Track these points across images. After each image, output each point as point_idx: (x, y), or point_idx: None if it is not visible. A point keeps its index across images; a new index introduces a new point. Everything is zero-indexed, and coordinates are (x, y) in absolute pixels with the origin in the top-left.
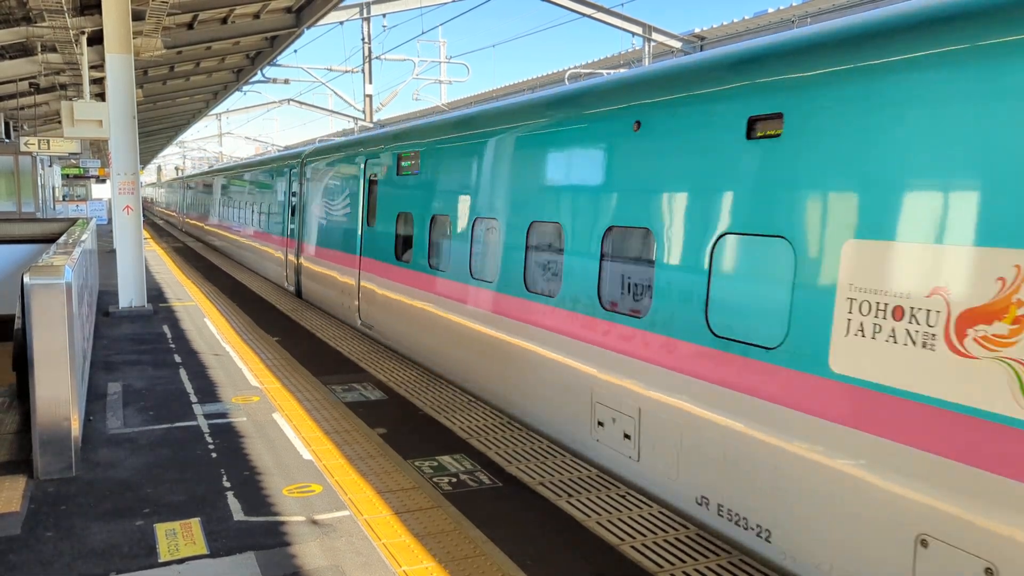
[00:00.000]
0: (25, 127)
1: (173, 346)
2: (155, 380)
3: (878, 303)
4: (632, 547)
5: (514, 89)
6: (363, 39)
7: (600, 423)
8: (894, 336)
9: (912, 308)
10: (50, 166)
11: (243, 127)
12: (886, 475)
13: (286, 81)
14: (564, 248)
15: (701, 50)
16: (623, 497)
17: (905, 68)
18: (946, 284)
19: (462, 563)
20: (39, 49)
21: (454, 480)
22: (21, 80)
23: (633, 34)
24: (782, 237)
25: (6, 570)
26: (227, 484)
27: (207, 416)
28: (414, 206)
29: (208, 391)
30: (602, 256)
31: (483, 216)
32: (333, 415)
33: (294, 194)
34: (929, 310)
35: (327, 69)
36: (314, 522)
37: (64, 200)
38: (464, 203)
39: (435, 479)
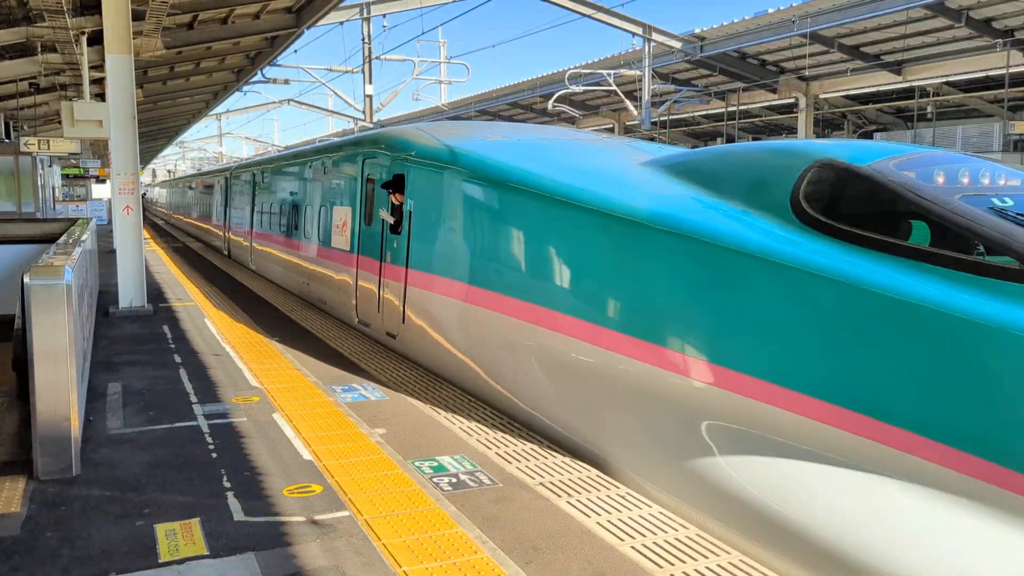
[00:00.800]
0: (25, 127)
1: (173, 346)
2: (155, 380)
3: (335, 223)
4: (632, 547)
5: (514, 89)
6: (363, 39)
7: (304, 280)
8: (338, 234)
9: (342, 224)
10: (50, 166)
11: (243, 127)
12: (326, 269)
13: (286, 81)
14: (278, 217)
15: (702, 50)
16: (623, 497)
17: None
18: (344, 219)
19: (462, 563)
20: (39, 49)
21: (454, 480)
22: (21, 80)
23: (633, 34)
24: (329, 206)
25: (6, 571)
26: (227, 484)
27: (207, 416)
28: (253, 200)
29: (208, 391)
30: (296, 215)
31: (266, 202)
32: (333, 415)
33: (224, 194)
34: (344, 224)
35: (327, 69)
36: (314, 522)
37: (64, 200)
38: (262, 198)
39: (435, 479)
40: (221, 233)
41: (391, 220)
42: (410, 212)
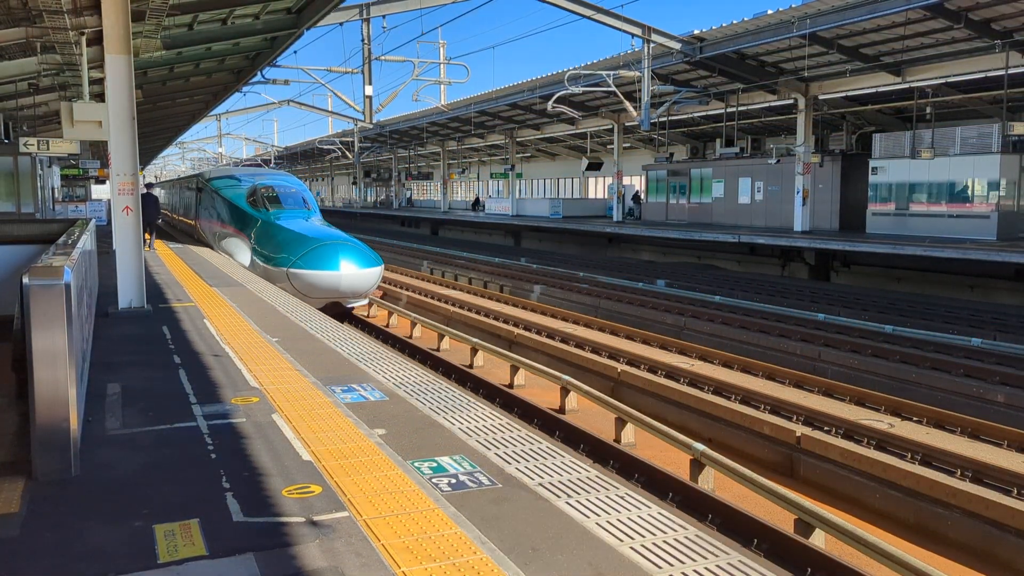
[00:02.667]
0: (24, 127)
1: (172, 347)
2: (154, 381)
3: (190, 206)
4: (632, 547)
5: (514, 90)
6: (363, 40)
7: (187, 229)
8: (191, 210)
9: (192, 206)
10: (49, 167)
11: (243, 128)
12: (190, 222)
13: (286, 82)
14: (180, 206)
15: (702, 51)
16: (622, 498)
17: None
18: (193, 204)
19: (461, 564)
20: (39, 49)
21: (453, 481)
22: (20, 80)
23: (633, 36)
24: (190, 199)
25: (5, 571)
26: (226, 485)
27: (206, 417)
28: (182, 198)
29: (207, 392)
30: (185, 203)
31: (184, 203)
32: (332, 416)
33: (180, 198)
34: (191, 206)
35: (327, 70)
36: (313, 523)
37: (63, 201)
38: (188, 200)
39: (434, 480)
40: (174, 216)
41: (196, 204)
42: (203, 201)
